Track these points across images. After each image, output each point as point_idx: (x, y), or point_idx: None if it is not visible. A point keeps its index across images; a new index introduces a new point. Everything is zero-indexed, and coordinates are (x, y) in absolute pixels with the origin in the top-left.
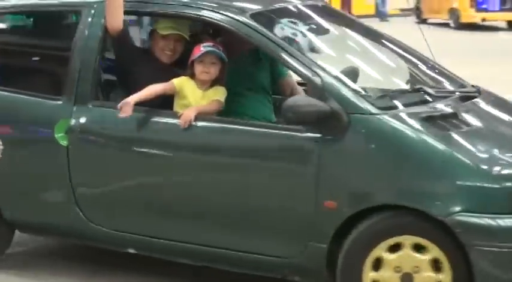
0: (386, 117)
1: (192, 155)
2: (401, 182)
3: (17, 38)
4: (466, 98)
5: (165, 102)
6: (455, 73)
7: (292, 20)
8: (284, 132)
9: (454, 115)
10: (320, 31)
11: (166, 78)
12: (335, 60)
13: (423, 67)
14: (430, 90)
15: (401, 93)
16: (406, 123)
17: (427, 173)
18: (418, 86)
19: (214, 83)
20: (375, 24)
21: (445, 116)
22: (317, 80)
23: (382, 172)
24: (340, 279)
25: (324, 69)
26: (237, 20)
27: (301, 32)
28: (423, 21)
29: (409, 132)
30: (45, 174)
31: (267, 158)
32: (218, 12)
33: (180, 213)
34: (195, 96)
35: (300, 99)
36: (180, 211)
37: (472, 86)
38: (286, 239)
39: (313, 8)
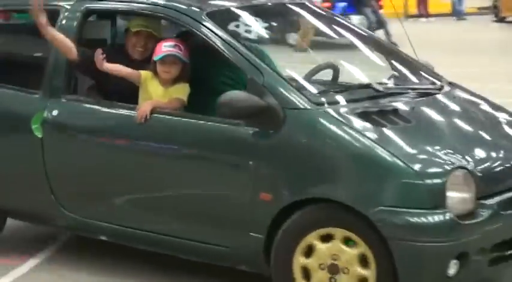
0: (317, 113)
1: (146, 147)
2: (328, 176)
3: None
4: (425, 94)
5: (133, 96)
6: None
7: (255, 18)
8: (226, 125)
9: (394, 111)
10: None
11: None
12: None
13: (396, 63)
14: (378, 87)
15: (348, 89)
16: (334, 119)
17: (351, 168)
18: (367, 83)
19: (177, 80)
20: (451, 23)
21: (383, 112)
22: (258, 76)
23: (312, 166)
24: (273, 265)
25: (266, 66)
26: (192, 18)
27: (255, 30)
28: (501, 19)
29: (336, 127)
30: (23, 163)
31: (211, 150)
32: (176, 10)
33: (137, 203)
34: (157, 93)
35: (236, 94)
36: (137, 200)
37: (450, 83)
38: (230, 229)
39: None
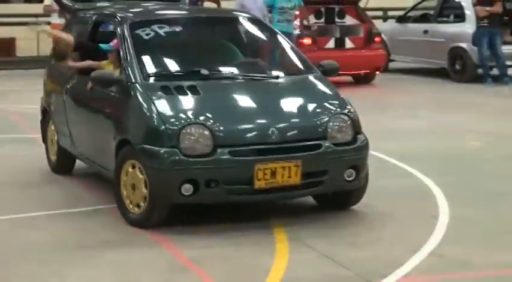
0: (139, 85)
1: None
2: (129, 125)
3: None
4: (251, 79)
5: None
6: None
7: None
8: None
9: (192, 87)
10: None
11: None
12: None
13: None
14: (204, 72)
15: (182, 72)
16: (140, 88)
17: (136, 119)
18: (197, 69)
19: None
20: None
21: (180, 87)
22: (125, 63)
23: (127, 118)
24: (114, 178)
25: (133, 58)
26: (118, 28)
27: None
28: None
29: (139, 94)
30: None
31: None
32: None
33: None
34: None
35: (101, 72)
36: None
37: (277, 76)
38: (110, 157)
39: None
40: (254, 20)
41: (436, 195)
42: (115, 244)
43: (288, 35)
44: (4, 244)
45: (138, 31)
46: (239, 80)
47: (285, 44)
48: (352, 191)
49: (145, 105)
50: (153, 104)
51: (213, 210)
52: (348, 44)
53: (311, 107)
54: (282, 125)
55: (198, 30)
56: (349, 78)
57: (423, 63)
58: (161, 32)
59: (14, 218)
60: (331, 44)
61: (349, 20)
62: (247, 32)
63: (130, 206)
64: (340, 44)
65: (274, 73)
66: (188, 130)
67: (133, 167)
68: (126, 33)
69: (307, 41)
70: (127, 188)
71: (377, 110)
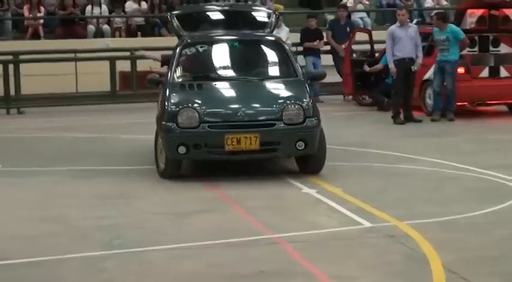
0: (168, 84)
1: None
2: (158, 109)
3: None
4: (242, 80)
5: None
6: None
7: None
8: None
9: (198, 85)
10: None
11: None
12: None
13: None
14: (215, 75)
15: (202, 74)
16: (168, 86)
17: (160, 104)
18: (208, 74)
19: None
20: None
21: (191, 84)
22: (169, 70)
23: (158, 105)
24: (154, 145)
25: (173, 66)
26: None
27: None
28: None
29: (166, 88)
30: None
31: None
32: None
33: None
34: None
35: (152, 75)
36: None
37: (262, 79)
38: None
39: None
40: (272, 41)
41: None
42: (271, 275)
43: (444, 62)
44: (160, 275)
45: (186, 49)
46: (235, 81)
47: (286, 57)
48: (310, 158)
49: (166, 96)
50: (169, 95)
51: None
52: (503, 72)
53: (275, 98)
54: (248, 109)
55: (228, 47)
56: (504, 108)
57: None
58: (200, 49)
59: (170, 248)
60: (485, 73)
61: (504, 48)
62: (261, 48)
63: (160, 163)
64: (494, 72)
65: (262, 76)
66: (183, 111)
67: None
68: (177, 50)
69: (460, 70)
70: (158, 151)
71: None
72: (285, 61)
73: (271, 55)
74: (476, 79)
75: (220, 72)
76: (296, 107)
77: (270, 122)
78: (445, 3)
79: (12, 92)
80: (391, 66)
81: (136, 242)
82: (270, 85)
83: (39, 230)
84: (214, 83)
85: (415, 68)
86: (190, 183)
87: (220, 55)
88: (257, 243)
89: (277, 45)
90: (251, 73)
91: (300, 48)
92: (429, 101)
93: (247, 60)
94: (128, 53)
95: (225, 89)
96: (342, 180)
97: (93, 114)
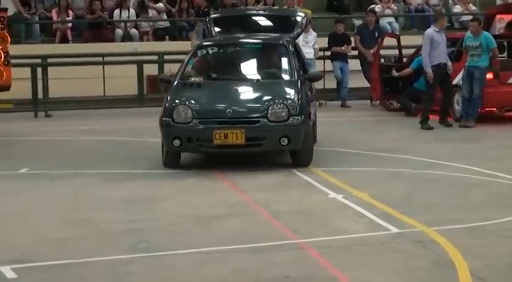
0: (174, 82)
1: None
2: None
3: None
4: (240, 80)
5: None
6: None
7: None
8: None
9: (199, 84)
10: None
11: None
12: None
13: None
14: (215, 76)
15: (199, 76)
16: (173, 85)
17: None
18: (210, 74)
19: None
20: None
21: (194, 82)
22: (180, 69)
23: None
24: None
25: (183, 66)
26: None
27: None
28: None
29: (172, 87)
30: None
31: None
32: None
33: None
34: None
35: (163, 75)
36: None
37: (258, 79)
38: None
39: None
40: (277, 45)
41: None
42: (296, 280)
43: (474, 68)
44: (184, 279)
45: (198, 51)
46: (232, 81)
47: (288, 60)
48: (298, 153)
49: (168, 93)
50: (171, 93)
51: None
52: None
53: (262, 97)
54: (236, 107)
55: (235, 51)
56: None
57: None
58: (210, 52)
59: (195, 252)
60: None
61: None
62: (266, 51)
63: (164, 154)
64: None
65: (258, 77)
66: (178, 108)
67: None
68: (191, 52)
69: (489, 75)
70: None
71: None
72: (286, 63)
73: (274, 58)
74: (504, 85)
75: (221, 73)
76: (281, 105)
77: (255, 119)
78: (473, 8)
79: (40, 95)
80: (429, 70)
81: (162, 246)
82: (263, 85)
83: (65, 233)
84: (212, 83)
85: (450, 70)
86: (218, 186)
87: (226, 57)
88: (282, 248)
89: (282, 49)
90: (250, 74)
91: (328, 53)
92: (457, 107)
93: (249, 63)
94: (155, 57)
95: (220, 89)
96: (369, 185)
97: (120, 117)
